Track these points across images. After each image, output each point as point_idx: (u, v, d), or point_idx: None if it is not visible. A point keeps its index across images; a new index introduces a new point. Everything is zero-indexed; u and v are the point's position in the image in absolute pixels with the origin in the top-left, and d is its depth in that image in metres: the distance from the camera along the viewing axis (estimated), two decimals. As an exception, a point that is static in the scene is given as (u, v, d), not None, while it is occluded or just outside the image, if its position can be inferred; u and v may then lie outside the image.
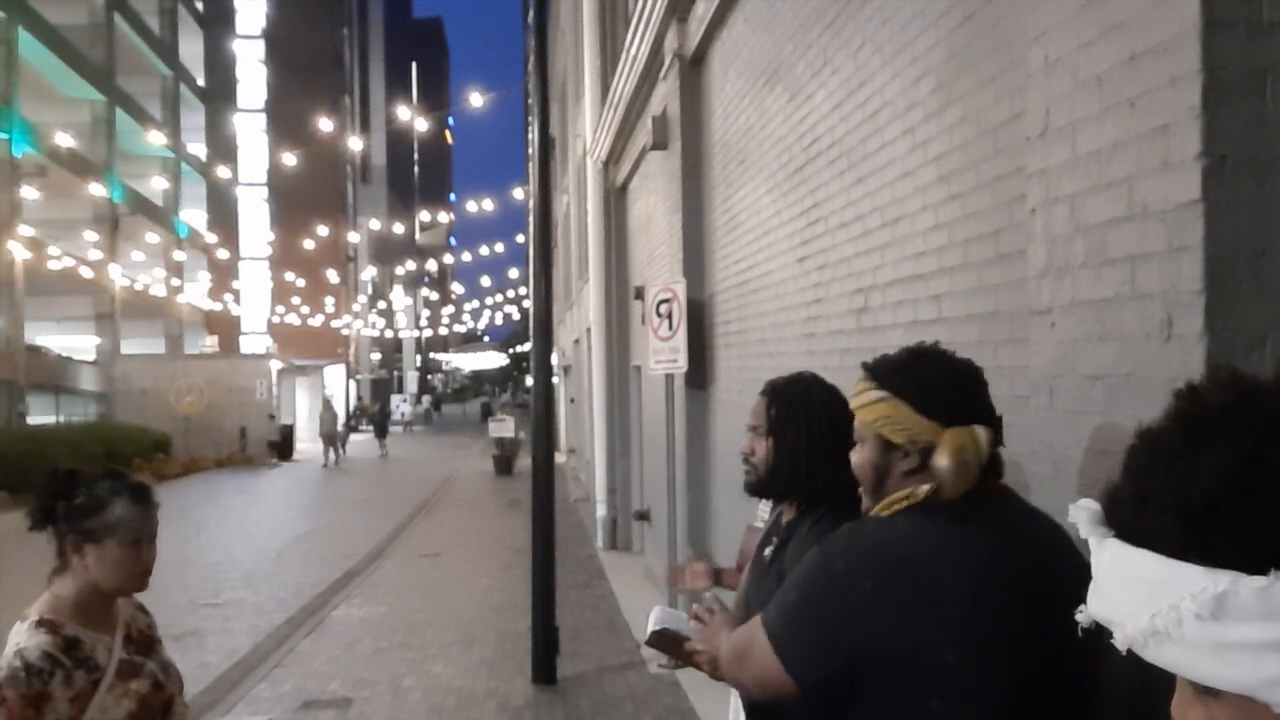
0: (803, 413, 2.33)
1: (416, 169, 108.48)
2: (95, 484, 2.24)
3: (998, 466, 1.74)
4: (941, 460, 1.65)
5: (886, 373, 1.77)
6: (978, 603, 1.60)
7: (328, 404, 31.38)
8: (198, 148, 39.58)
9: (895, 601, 1.61)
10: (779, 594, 1.82)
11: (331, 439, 29.19)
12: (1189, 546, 0.69)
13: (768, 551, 2.37)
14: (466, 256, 32.19)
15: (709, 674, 2.33)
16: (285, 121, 42.77)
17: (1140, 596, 0.71)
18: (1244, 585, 0.66)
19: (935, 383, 1.73)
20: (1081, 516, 0.79)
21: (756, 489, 2.44)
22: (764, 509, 3.12)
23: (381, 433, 34.89)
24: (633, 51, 9.40)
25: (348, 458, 30.74)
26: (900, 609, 1.61)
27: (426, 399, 75.49)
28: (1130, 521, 0.74)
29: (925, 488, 1.67)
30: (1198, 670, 0.70)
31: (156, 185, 36.24)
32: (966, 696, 1.60)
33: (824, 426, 2.29)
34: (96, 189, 27.50)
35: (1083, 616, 0.79)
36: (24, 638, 2.14)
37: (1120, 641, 0.73)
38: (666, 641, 2.43)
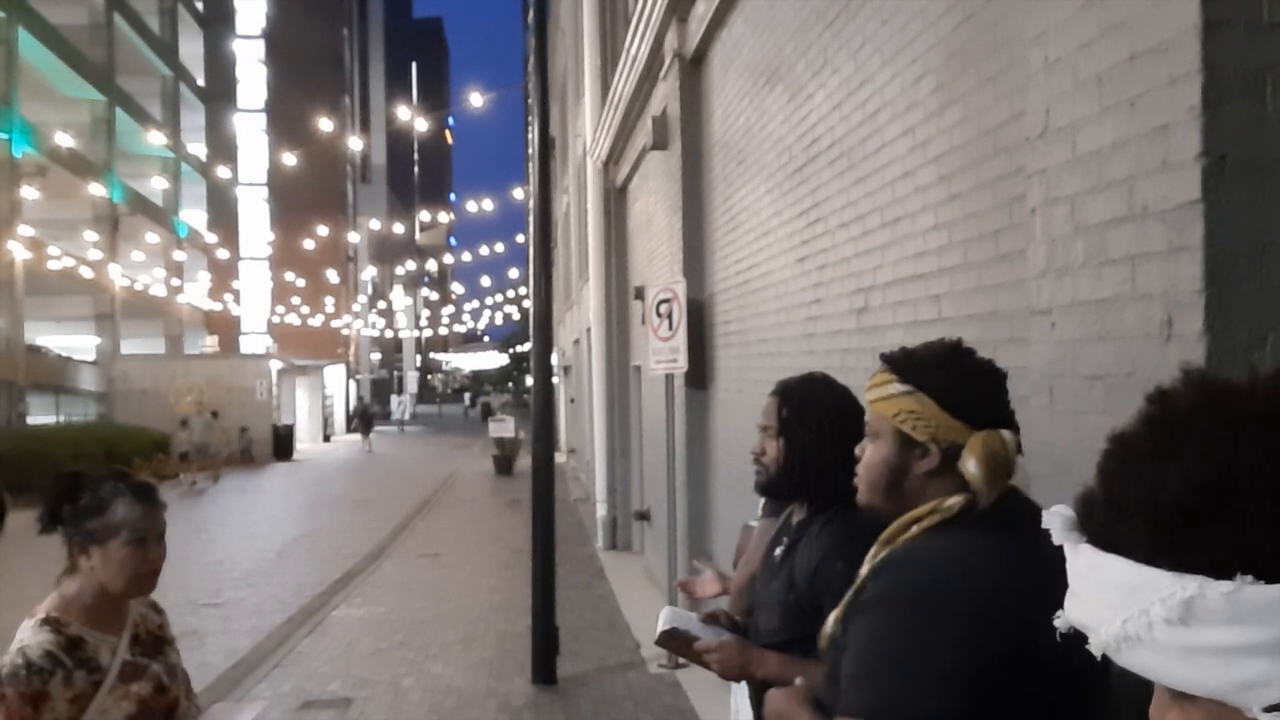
0: (814, 413, 2.33)
1: (416, 169, 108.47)
2: (100, 485, 2.23)
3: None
4: (971, 465, 1.55)
5: (913, 366, 1.66)
6: (1037, 625, 1.48)
7: (200, 407, 25.21)
8: (198, 148, 39.56)
9: (972, 656, 1.47)
10: (845, 679, 1.58)
11: (189, 455, 22.99)
12: (1159, 552, 0.70)
13: (778, 551, 2.37)
14: (466, 256, 32.26)
15: (718, 674, 2.34)
16: (285, 121, 42.77)
17: (1113, 601, 0.72)
18: (1211, 590, 0.66)
19: (965, 381, 1.64)
20: (1055, 522, 0.79)
21: (767, 489, 2.44)
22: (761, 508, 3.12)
23: (366, 430, 36.68)
24: (633, 51, 9.40)
25: (204, 484, 22.43)
26: (973, 658, 1.46)
27: (481, 400, 69.87)
28: (1102, 527, 0.75)
29: (957, 499, 1.57)
30: (1169, 675, 0.70)
31: (156, 185, 36.23)
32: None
33: (835, 427, 2.29)
34: (96, 189, 27.50)
35: (1060, 622, 0.79)
36: (28, 635, 2.14)
37: (1095, 646, 0.74)
38: (676, 641, 2.44)
